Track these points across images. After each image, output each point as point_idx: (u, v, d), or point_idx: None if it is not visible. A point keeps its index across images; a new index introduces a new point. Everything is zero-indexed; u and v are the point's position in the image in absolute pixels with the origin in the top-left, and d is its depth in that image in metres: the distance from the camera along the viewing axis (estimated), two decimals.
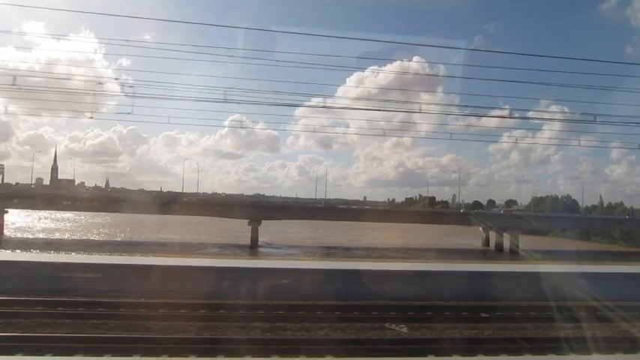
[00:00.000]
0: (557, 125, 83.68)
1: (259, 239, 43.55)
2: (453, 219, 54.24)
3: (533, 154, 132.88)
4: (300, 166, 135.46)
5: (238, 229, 49.02)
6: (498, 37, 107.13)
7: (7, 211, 47.35)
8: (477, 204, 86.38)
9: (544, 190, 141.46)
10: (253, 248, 40.51)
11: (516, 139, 71.60)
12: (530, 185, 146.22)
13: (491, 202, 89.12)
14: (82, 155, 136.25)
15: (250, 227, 43.47)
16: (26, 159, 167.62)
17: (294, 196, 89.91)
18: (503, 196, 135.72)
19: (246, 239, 43.25)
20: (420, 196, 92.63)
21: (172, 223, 54.88)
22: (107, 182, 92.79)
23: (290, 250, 36.73)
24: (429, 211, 68.94)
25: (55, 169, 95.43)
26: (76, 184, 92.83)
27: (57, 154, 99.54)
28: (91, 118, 30.01)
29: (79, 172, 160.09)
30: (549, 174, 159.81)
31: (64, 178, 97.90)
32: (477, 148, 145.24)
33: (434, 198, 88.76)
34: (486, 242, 48.80)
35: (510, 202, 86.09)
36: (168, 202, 54.09)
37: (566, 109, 62.76)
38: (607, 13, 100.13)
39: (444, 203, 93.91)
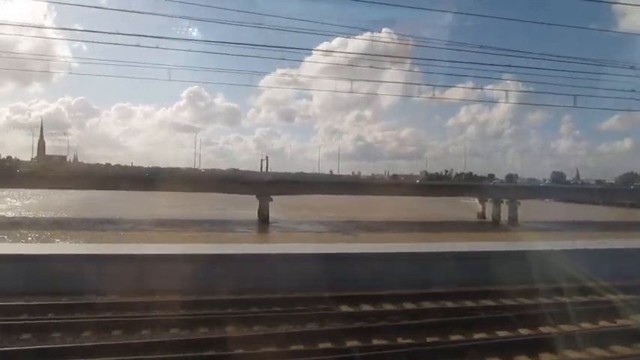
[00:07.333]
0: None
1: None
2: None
3: (488, 128, 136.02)
4: (257, 139, 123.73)
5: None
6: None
7: None
8: (470, 176, 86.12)
9: (496, 163, 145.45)
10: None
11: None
12: (482, 158, 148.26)
13: (491, 176, 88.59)
14: (25, 128, 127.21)
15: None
16: None
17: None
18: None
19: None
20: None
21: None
22: (75, 157, 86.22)
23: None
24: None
25: (42, 145, 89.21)
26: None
27: (41, 128, 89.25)
28: None
29: (23, 145, 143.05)
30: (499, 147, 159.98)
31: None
32: (437, 122, 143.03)
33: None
34: None
35: (512, 176, 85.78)
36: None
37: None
38: None
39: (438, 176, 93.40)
